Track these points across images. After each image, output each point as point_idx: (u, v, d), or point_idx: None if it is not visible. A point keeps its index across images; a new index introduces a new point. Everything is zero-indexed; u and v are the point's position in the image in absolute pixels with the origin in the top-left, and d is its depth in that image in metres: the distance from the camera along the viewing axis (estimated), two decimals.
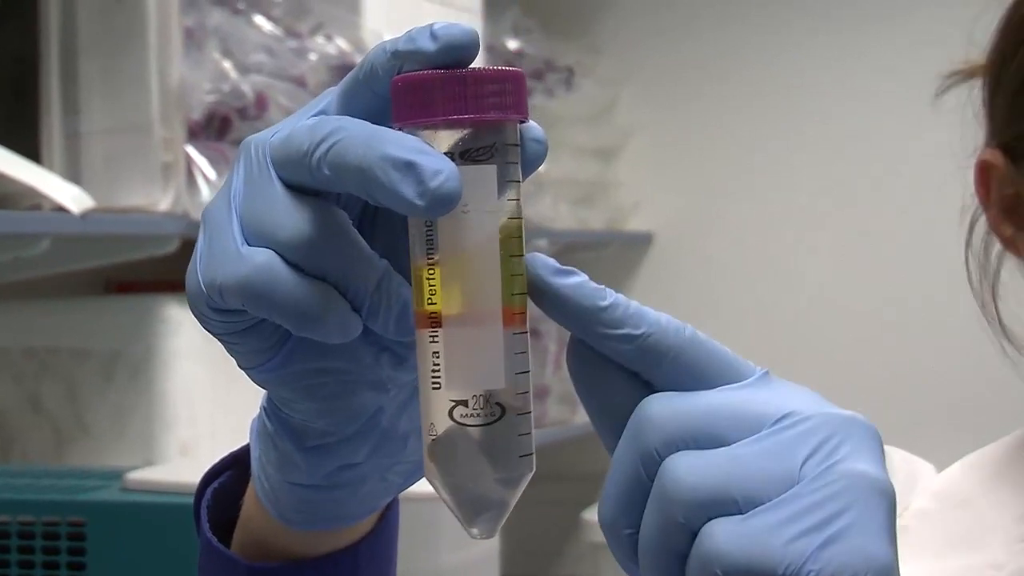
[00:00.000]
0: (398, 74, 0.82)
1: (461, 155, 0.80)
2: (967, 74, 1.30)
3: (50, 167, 2.46)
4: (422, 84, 0.81)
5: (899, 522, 1.31)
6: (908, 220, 4.06)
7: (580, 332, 0.83)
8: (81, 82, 2.57)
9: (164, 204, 2.52)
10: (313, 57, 3.04)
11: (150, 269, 2.74)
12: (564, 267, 0.82)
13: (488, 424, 0.82)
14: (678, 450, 0.77)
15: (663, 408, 0.79)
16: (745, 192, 4.61)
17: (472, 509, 0.85)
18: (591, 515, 3.78)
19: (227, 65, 2.82)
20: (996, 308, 1.29)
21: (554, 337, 4.09)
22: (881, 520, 0.77)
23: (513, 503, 0.85)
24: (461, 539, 2.39)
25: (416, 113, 0.81)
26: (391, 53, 0.82)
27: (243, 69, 2.85)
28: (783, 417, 0.77)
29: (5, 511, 2.19)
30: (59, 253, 2.54)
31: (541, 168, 3.04)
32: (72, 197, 2.37)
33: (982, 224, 1.29)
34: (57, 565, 2.16)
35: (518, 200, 0.83)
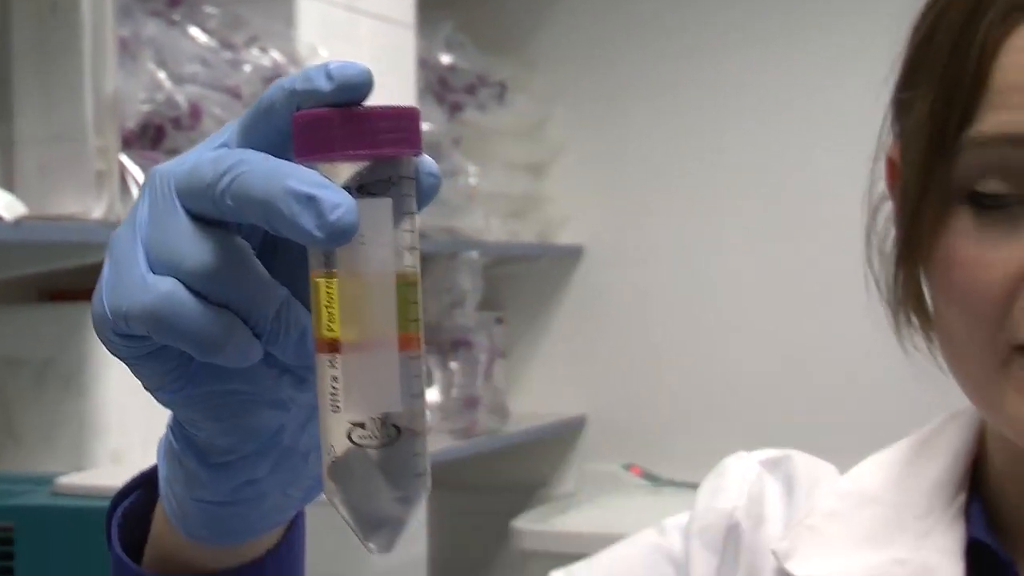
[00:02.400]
0: (296, 111, 0.83)
1: (358, 188, 0.82)
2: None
3: None
4: (321, 121, 0.83)
5: (808, 522, 1.35)
6: (818, 230, 4.09)
7: None
8: (15, 89, 2.58)
9: (98, 212, 2.52)
10: (247, 69, 3.04)
11: (83, 277, 2.70)
12: None
13: (385, 446, 0.84)
14: None
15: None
16: (672, 207, 4.64)
17: (370, 525, 0.86)
18: (520, 524, 3.81)
19: (161, 75, 2.82)
20: (899, 287, 1.32)
21: (484, 348, 4.08)
22: None
23: (409, 520, 0.86)
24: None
25: (316, 148, 0.83)
26: (289, 91, 0.84)
27: (177, 79, 2.85)
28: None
29: None
30: None
31: (474, 181, 3.08)
32: (5, 204, 2.37)
33: (885, 211, 1.31)
34: None
35: (414, 231, 0.85)
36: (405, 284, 0.84)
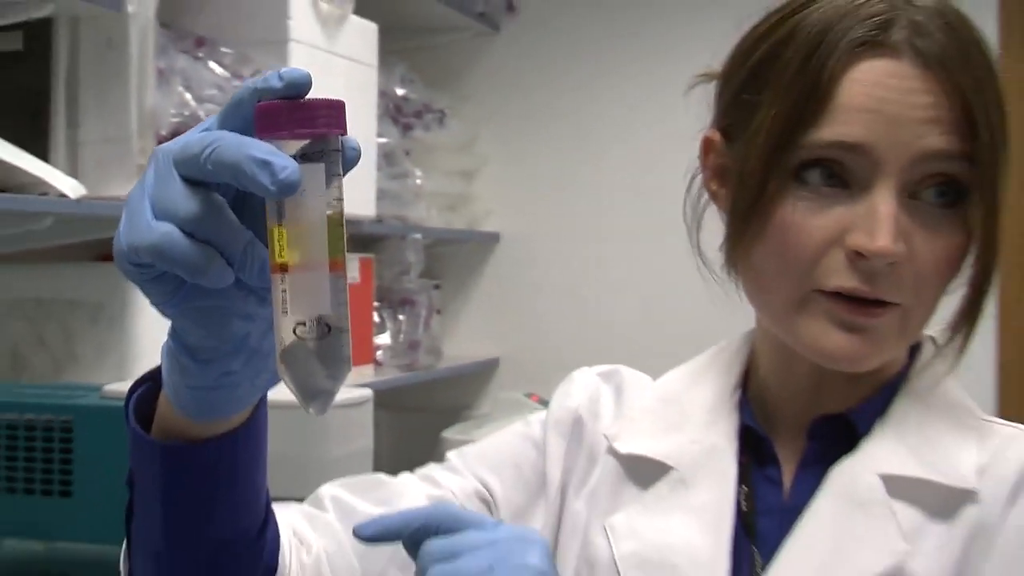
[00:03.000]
0: (258, 103, 0.88)
1: (301, 156, 0.87)
2: (708, 77, 1.33)
3: (56, 165, 2.44)
4: (274, 109, 0.88)
5: (629, 415, 1.38)
6: (668, 218, 4.10)
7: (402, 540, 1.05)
8: (80, 105, 2.55)
9: None
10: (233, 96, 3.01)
11: None
12: (366, 523, 1.07)
13: (319, 339, 0.89)
14: (435, 563, 1.01)
15: (432, 544, 1.02)
16: (566, 204, 4.61)
17: (310, 395, 0.91)
18: (448, 434, 3.77)
19: (188, 96, 2.80)
20: (698, 236, 1.33)
21: (424, 306, 4.06)
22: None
23: (338, 391, 0.92)
24: (344, 439, 2.45)
25: (270, 128, 0.88)
26: (252, 89, 0.89)
27: (200, 100, 2.83)
28: (491, 541, 1.01)
29: (14, 411, 2.23)
30: (59, 229, 2.54)
31: (420, 182, 3.08)
32: (71, 187, 2.38)
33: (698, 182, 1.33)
34: (51, 450, 2.19)
35: (340, 187, 0.90)
36: (335, 225, 0.89)
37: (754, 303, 1.28)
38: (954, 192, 1.17)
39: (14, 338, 2.79)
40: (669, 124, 4.20)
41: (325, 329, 0.90)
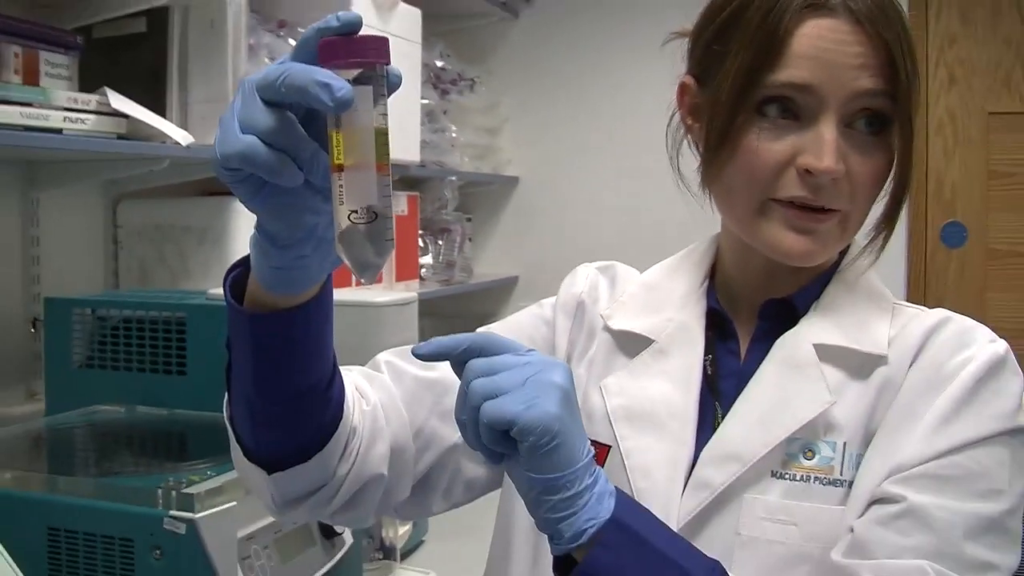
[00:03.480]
0: (320, 40, 0.90)
1: (354, 81, 0.89)
2: (681, 35, 1.34)
3: (171, 120, 2.47)
4: (333, 43, 0.90)
5: (620, 300, 1.39)
6: (652, 158, 4.10)
7: (451, 359, 1.06)
8: (189, 73, 2.56)
9: None
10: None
11: None
12: (422, 343, 1.07)
13: (369, 223, 0.91)
14: (477, 378, 1.01)
15: (474, 362, 1.03)
16: (572, 152, 4.61)
17: (361, 267, 0.93)
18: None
19: (272, 64, 2.81)
20: (678, 161, 1.34)
21: (459, 233, 4.05)
22: (557, 399, 1.00)
23: (383, 264, 0.94)
24: (396, 330, 2.47)
25: (330, 58, 0.90)
26: (316, 29, 0.91)
27: None
28: (525, 363, 1.02)
29: (141, 309, 2.26)
30: (174, 170, 2.57)
31: (455, 135, 3.05)
32: (182, 136, 2.42)
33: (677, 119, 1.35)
34: (170, 339, 2.23)
35: (385, 106, 0.91)
36: (380, 135, 0.91)
37: (723, 212, 1.30)
38: (879, 122, 1.20)
39: (141, 256, 2.83)
40: (649, 87, 4.25)
41: (373, 216, 0.91)
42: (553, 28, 4.69)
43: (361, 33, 0.91)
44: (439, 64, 4.12)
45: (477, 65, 4.54)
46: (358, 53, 0.90)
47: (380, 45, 0.91)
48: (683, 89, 1.32)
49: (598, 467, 1.03)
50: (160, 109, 2.47)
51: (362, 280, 0.94)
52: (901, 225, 1.27)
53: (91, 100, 2.23)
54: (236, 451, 1.17)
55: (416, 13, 3.56)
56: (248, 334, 1.06)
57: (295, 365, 1.08)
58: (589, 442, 1.04)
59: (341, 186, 0.90)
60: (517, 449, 1.00)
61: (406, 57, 3.45)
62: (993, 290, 4.47)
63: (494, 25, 4.70)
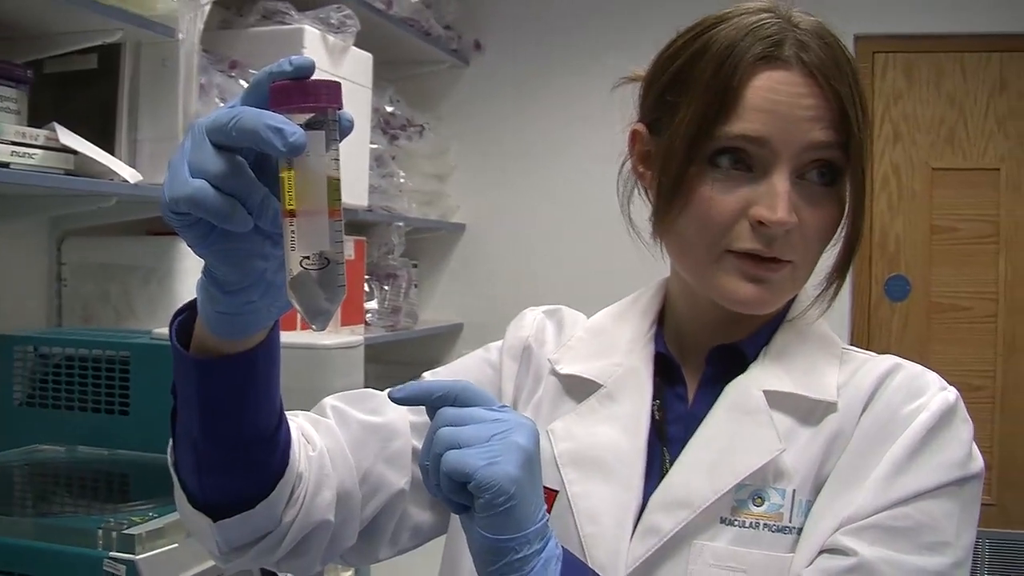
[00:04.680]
0: (272, 83, 0.90)
1: (306, 125, 0.88)
2: (631, 79, 1.34)
3: (120, 157, 2.46)
4: (286, 87, 0.89)
5: (568, 344, 1.38)
6: (598, 204, 4.11)
7: (425, 404, 1.05)
8: (139, 111, 2.57)
9: None
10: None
11: None
12: (401, 387, 1.05)
13: (320, 269, 0.90)
14: (446, 426, 1.02)
15: (447, 411, 1.03)
16: (518, 201, 4.66)
17: (313, 314, 0.92)
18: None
19: (222, 106, 2.77)
20: (628, 209, 1.33)
21: (405, 279, 4.05)
22: (520, 461, 1.00)
23: (335, 310, 0.93)
24: (342, 374, 2.46)
25: (282, 103, 0.89)
26: (267, 73, 0.90)
27: None
28: (495, 419, 1.03)
29: (84, 347, 2.24)
30: (122, 207, 2.56)
31: (403, 181, 3.03)
32: (130, 174, 2.40)
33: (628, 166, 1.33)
34: (113, 378, 2.21)
35: (337, 151, 0.90)
36: (332, 180, 0.90)
37: (677, 260, 1.29)
38: (831, 173, 1.20)
39: (85, 295, 2.80)
40: (597, 136, 4.26)
41: (325, 262, 0.90)
42: (503, 76, 4.72)
43: (313, 78, 0.90)
44: (389, 109, 4.13)
45: (426, 111, 4.56)
46: (311, 98, 0.89)
47: (333, 90, 0.90)
48: (635, 136, 1.31)
49: (550, 531, 1.03)
50: (109, 146, 2.47)
51: (313, 327, 0.93)
52: (846, 277, 1.28)
53: (39, 135, 2.22)
54: (180, 497, 1.16)
55: (367, 58, 3.57)
56: (195, 380, 1.04)
57: (243, 411, 1.07)
58: (545, 507, 1.03)
59: (293, 232, 0.90)
60: (470, 501, 1.00)
61: (357, 101, 3.46)
62: (935, 342, 4.52)
63: (444, 72, 4.72)
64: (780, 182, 1.17)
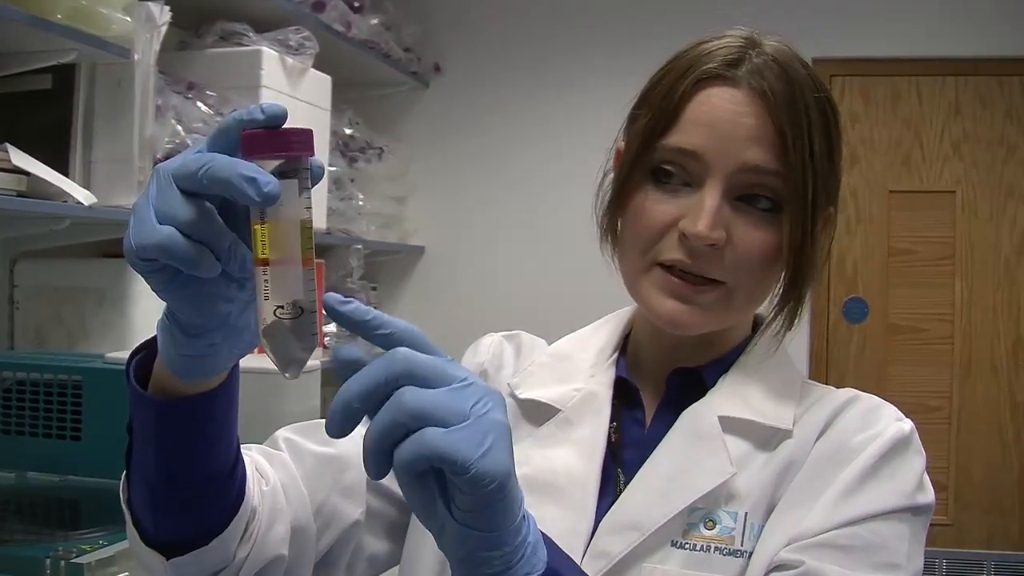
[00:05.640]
0: (243, 131, 0.87)
1: (278, 173, 0.85)
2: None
3: (74, 179, 2.44)
4: (258, 136, 0.87)
5: (528, 369, 1.37)
6: (560, 228, 4.14)
7: (359, 333, 0.86)
8: (94, 132, 2.55)
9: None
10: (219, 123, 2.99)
11: None
12: (345, 298, 0.87)
13: (294, 318, 0.88)
14: (407, 384, 0.83)
15: (404, 352, 0.84)
16: (478, 224, 4.66)
17: (286, 363, 0.89)
18: None
19: (179, 128, 2.80)
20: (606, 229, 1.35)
21: (363, 301, 3.97)
22: (507, 445, 0.85)
23: (308, 359, 0.90)
24: (298, 399, 2.45)
25: (255, 151, 0.86)
26: (238, 120, 0.87)
27: (188, 131, 2.82)
28: (462, 380, 0.84)
29: (36, 371, 2.21)
30: (75, 230, 2.54)
31: (361, 204, 3.02)
32: (84, 196, 2.38)
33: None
34: (65, 403, 2.18)
35: (310, 199, 0.88)
36: (305, 228, 0.88)
37: (621, 272, 1.29)
38: (774, 204, 1.19)
39: (38, 317, 2.78)
40: (557, 159, 4.35)
41: (299, 311, 0.88)
42: (463, 98, 4.72)
43: (285, 125, 0.89)
44: (348, 131, 4.13)
45: (386, 133, 4.56)
46: (284, 147, 0.87)
47: (305, 138, 0.88)
48: (617, 154, 1.31)
49: (529, 513, 0.93)
50: (63, 167, 2.45)
51: (286, 375, 0.91)
52: (800, 306, 1.27)
53: None
54: (132, 534, 1.13)
55: (326, 80, 3.56)
56: (153, 421, 1.02)
57: (201, 451, 1.05)
58: (520, 489, 0.92)
59: (266, 281, 0.88)
60: (435, 490, 0.88)
61: (315, 123, 3.43)
62: (894, 364, 4.54)
63: (404, 94, 4.72)
64: (709, 197, 1.17)
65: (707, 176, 1.18)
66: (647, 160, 1.20)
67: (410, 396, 0.83)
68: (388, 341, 0.86)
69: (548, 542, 0.97)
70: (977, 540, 4.51)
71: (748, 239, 1.19)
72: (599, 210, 1.33)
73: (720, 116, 1.17)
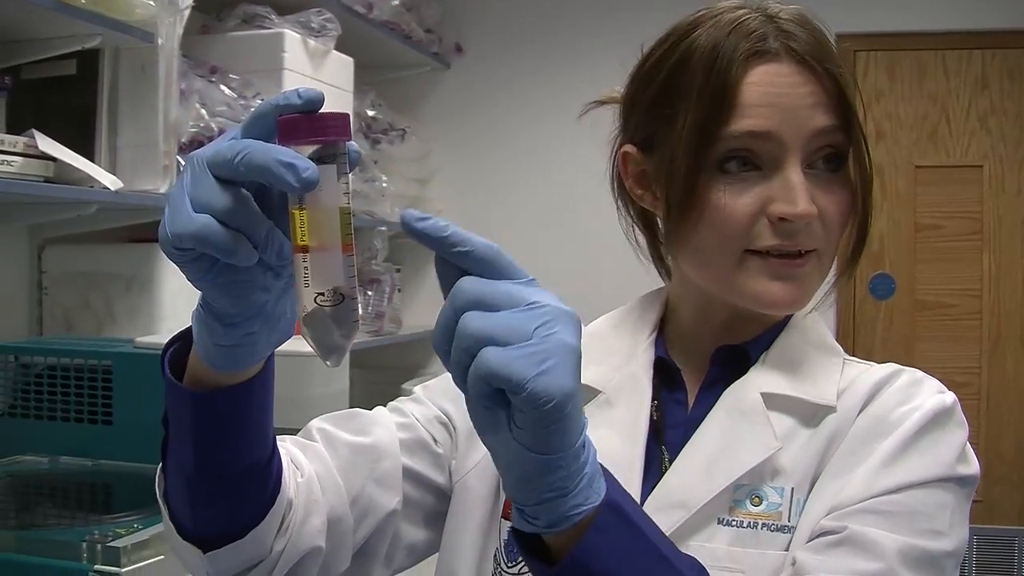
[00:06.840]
0: (279, 116, 0.87)
1: (316, 158, 0.85)
2: (605, 102, 1.34)
3: (99, 164, 2.44)
4: (295, 121, 0.86)
5: None
6: (585, 208, 4.14)
7: (436, 249, 0.87)
8: (119, 117, 2.55)
9: (163, 189, 2.52)
10: (252, 110, 3.00)
11: (153, 227, 2.72)
12: (422, 214, 0.86)
13: (335, 305, 0.87)
14: (471, 310, 0.84)
15: (469, 283, 0.85)
16: (500, 204, 4.65)
17: (327, 351, 0.89)
18: (406, 386, 3.78)
19: (203, 112, 2.80)
20: (635, 234, 1.32)
21: (388, 284, 4.02)
22: (572, 367, 0.84)
23: (349, 346, 0.89)
24: (325, 381, 2.45)
25: (292, 137, 0.86)
26: (274, 105, 0.87)
27: (212, 115, 2.83)
28: (531, 303, 0.83)
29: (66, 356, 2.22)
30: (102, 215, 2.54)
31: (385, 185, 3.02)
32: (111, 181, 2.39)
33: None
34: (95, 388, 2.19)
35: (348, 184, 0.88)
36: (344, 213, 0.87)
37: (697, 274, 1.27)
38: (837, 159, 1.20)
39: (66, 303, 2.79)
40: (581, 139, 4.30)
41: (340, 297, 0.88)
42: (484, 79, 4.71)
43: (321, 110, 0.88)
44: (370, 113, 4.12)
45: (408, 115, 4.55)
46: (321, 132, 0.87)
47: (342, 122, 0.88)
48: (625, 159, 1.30)
49: (589, 439, 0.92)
50: (89, 153, 2.45)
51: (327, 363, 0.90)
52: (829, 277, 1.27)
53: (18, 142, 2.20)
54: (169, 528, 1.13)
55: (349, 62, 3.56)
56: (189, 412, 1.02)
57: (238, 443, 1.04)
58: (585, 415, 0.91)
59: (306, 268, 0.87)
60: (501, 413, 0.86)
61: (339, 106, 3.42)
62: (921, 340, 4.52)
63: (426, 75, 4.71)
64: (794, 174, 1.17)
65: (784, 154, 1.17)
66: (710, 154, 1.18)
67: (471, 320, 0.83)
68: (466, 259, 0.86)
69: (608, 477, 0.95)
70: (1008, 516, 4.49)
71: (831, 203, 1.20)
72: (624, 219, 1.33)
73: (779, 91, 1.16)
